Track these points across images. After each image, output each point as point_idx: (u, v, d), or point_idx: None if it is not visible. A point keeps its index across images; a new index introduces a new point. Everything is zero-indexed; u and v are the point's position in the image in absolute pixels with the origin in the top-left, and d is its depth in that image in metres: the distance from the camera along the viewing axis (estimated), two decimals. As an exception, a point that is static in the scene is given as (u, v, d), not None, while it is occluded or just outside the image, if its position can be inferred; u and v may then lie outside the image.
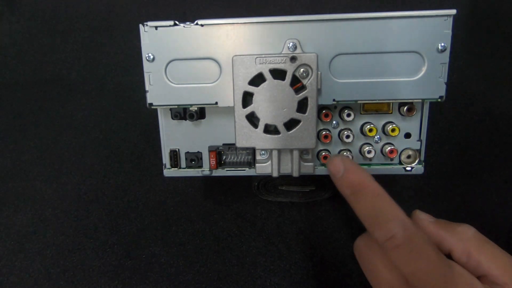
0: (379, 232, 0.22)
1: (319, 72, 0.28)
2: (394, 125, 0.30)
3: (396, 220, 0.22)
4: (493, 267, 0.23)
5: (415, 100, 0.29)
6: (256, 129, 0.29)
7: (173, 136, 0.32)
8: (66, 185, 0.40)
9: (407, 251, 0.21)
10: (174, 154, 0.32)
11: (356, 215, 0.24)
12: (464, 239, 0.24)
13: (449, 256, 0.24)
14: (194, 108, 0.30)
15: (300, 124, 0.28)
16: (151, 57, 0.29)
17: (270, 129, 0.29)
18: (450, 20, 0.27)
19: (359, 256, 0.26)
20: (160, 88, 0.29)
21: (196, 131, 0.32)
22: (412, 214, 0.27)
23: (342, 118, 0.31)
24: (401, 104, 0.30)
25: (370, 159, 0.32)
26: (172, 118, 0.31)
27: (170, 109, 0.31)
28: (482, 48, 0.40)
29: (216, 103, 0.29)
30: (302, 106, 0.28)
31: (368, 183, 0.24)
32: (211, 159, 0.32)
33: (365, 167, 0.32)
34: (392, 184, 0.38)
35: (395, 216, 0.23)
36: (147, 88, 0.29)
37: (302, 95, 0.28)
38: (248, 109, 0.29)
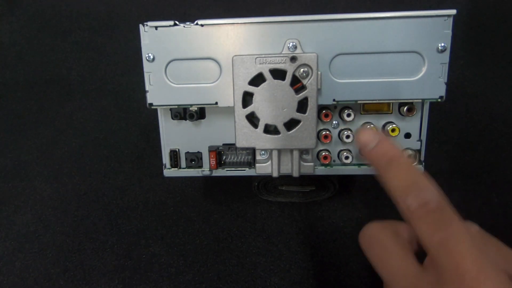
0: (412, 199, 0.22)
1: (319, 72, 0.28)
2: (394, 125, 0.30)
3: (432, 189, 0.23)
4: (499, 261, 0.23)
5: (415, 100, 0.29)
6: (256, 129, 0.29)
7: (173, 136, 0.32)
8: (66, 185, 0.40)
9: (438, 219, 0.22)
10: (174, 154, 0.32)
11: (386, 185, 0.24)
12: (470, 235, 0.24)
13: None
14: (194, 108, 0.30)
15: (300, 124, 0.28)
16: (151, 57, 0.29)
17: (270, 129, 0.29)
18: (450, 20, 0.27)
19: (369, 244, 0.26)
20: (160, 88, 0.29)
21: (196, 131, 0.32)
22: None
23: (342, 118, 0.31)
24: (401, 104, 0.30)
25: (370, 159, 0.32)
26: (172, 118, 0.31)
27: (170, 109, 0.31)
28: (482, 48, 0.40)
29: (216, 103, 0.29)
30: (302, 106, 0.28)
31: (403, 157, 0.25)
32: (211, 159, 0.32)
33: (365, 167, 0.32)
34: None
35: (430, 186, 0.23)
36: (147, 88, 0.29)
37: (302, 95, 0.28)
38: (248, 109, 0.29)
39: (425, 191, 0.23)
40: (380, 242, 0.25)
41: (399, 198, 0.23)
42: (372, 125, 0.30)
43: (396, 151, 0.25)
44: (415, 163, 0.31)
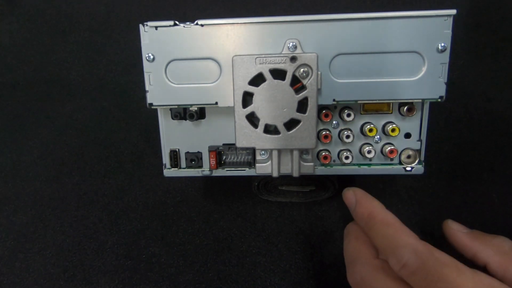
0: (392, 261, 0.22)
1: (319, 72, 0.28)
2: (394, 125, 0.30)
3: (407, 247, 0.22)
4: None
5: (415, 100, 0.29)
6: (256, 129, 0.29)
7: (173, 136, 0.32)
8: (66, 185, 0.40)
9: (423, 277, 0.21)
10: (174, 154, 0.32)
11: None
12: (501, 252, 0.24)
13: (484, 269, 0.24)
14: (194, 108, 0.30)
15: (300, 124, 0.28)
16: (151, 57, 0.29)
17: (270, 129, 0.29)
18: (450, 20, 0.27)
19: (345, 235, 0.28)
20: (160, 88, 0.29)
21: (196, 131, 0.32)
22: (444, 224, 0.27)
23: (342, 118, 0.31)
24: (401, 104, 0.30)
25: (370, 159, 0.32)
26: (172, 118, 0.31)
27: (170, 109, 0.31)
28: (482, 48, 0.40)
29: (216, 103, 0.29)
30: (302, 106, 0.28)
31: (378, 214, 0.25)
32: (211, 159, 0.32)
33: (365, 167, 0.32)
34: (392, 184, 0.38)
35: (406, 243, 0.22)
36: (147, 88, 0.29)
37: (302, 95, 0.28)
38: (248, 109, 0.29)
39: (400, 252, 0.22)
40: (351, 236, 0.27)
41: (384, 258, 0.24)
42: (372, 125, 0.30)
43: (371, 209, 0.25)
44: (415, 163, 0.31)
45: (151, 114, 0.33)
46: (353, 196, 0.27)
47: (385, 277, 0.24)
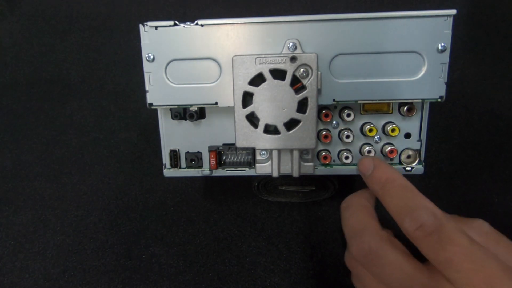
0: (408, 222, 0.22)
1: (319, 72, 0.28)
2: (394, 125, 0.30)
3: (426, 208, 0.23)
4: (510, 259, 0.23)
5: (415, 100, 0.29)
6: (256, 129, 0.29)
7: (173, 136, 0.32)
8: (66, 185, 0.40)
9: (437, 239, 0.21)
10: (174, 154, 0.32)
11: (386, 209, 0.25)
12: (483, 233, 0.25)
13: None
14: (194, 108, 0.30)
15: (300, 124, 0.28)
16: (151, 57, 0.29)
17: (270, 129, 0.29)
18: (450, 20, 0.27)
19: (344, 208, 0.28)
20: (160, 88, 0.29)
21: (196, 131, 0.32)
22: None
23: (342, 118, 0.31)
24: (401, 104, 0.30)
25: (370, 159, 0.32)
26: (172, 118, 0.31)
27: (170, 109, 0.31)
28: (482, 48, 0.40)
29: (216, 103, 0.29)
30: (302, 106, 0.28)
31: (397, 178, 0.25)
32: (211, 159, 0.32)
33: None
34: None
35: (424, 206, 0.23)
36: (147, 88, 0.29)
37: (302, 95, 0.28)
38: (248, 109, 0.29)
39: (419, 212, 0.22)
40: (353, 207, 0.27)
41: (397, 221, 0.24)
42: (372, 125, 0.30)
43: (390, 173, 0.26)
44: (415, 163, 0.31)
45: (151, 114, 0.32)
46: (371, 161, 0.27)
47: (393, 248, 0.24)
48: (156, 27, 0.28)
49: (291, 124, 0.29)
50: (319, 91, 0.28)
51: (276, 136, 0.29)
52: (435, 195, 0.37)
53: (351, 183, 0.39)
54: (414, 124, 0.31)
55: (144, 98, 0.30)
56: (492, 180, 0.38)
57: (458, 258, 0.21)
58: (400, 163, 0.31)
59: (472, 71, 0.40)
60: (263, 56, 0.28)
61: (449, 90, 0.28)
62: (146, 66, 0.29)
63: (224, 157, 0.32)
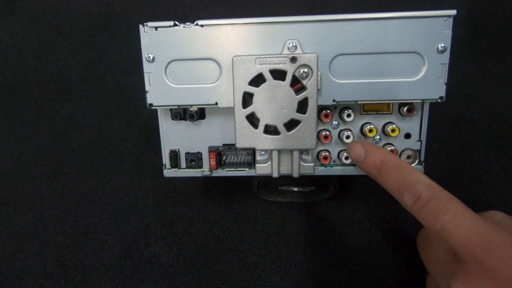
0: (407, 196, 0.24)
1: (319, 73, 0.28)
2: (394, 125, 0.30)
3: (421, 182, 0.24)
4: None
5: (415, 101, 0.29)
6: (256, 130, 0.29)
7: (173, 136, 0.32)
8: (66, 185, 0.40)
9: (433, 208, 0.22)
10: (174, 155, 0.32)
11: (386, 190, 0.26)
12: (496, 221, 0.25)
13: None
14: (194, 109, 0.30)
15: (300, 124, 0.28)
16: (151, 57, 0.29)
17: (270, 130, 0.29)
18: (450, 20, 0.27)
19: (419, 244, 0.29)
20: (160, 89, 0.29)
21: (196, 132, 0.32)
22: None
23: (342, 119, 0.31)
24: (401, 105, 0.30)
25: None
26: (172, 119, 0.31)
27: (170, 110, 0.31)
28: (482, 48, 0.40)
29: (216, 103, 0.29)
30: (302, 106, 0.28)
31: (391, 159, 0.26)
32: (211, 160, 0.32)
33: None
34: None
35: (419, 179, 0.24)
36: (147, 88, 0.29)
37: (302, 95, 0.28)
38: (248, 110, 0.29)
39: (416, 186, 0.24)
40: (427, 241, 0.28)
41: (398, 198, 0.25)
42: (372, 126, 0.30)
43: (383, 156, 0.26)
44: (415, 163, 0.31)
45: (151, 114, 0.32)
46: (361, 147, 0.27)
47: None
48: (156, 28, 0.28)
49: (291, 125, 0.29)
50: (319, 92, 0.28)
51: (276, 136, 0.29)
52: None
53: (351, 183, 0.39)
54: (414, 125, 0.31)
55: (144, 98, 0.30)
56: (492, 180, 0.38)
57: (453, 224, 0.22)
58: (400, 163, 0.31)
59: (472, 71, 0.40)
60: (263, 56, 0.28)
61: (449, 90, 0.28)
62: (146, 66, 0.29)
63: (224, 157, 0.32)
